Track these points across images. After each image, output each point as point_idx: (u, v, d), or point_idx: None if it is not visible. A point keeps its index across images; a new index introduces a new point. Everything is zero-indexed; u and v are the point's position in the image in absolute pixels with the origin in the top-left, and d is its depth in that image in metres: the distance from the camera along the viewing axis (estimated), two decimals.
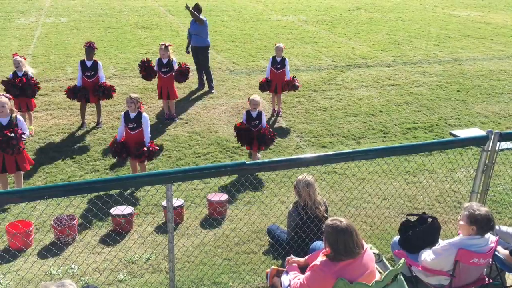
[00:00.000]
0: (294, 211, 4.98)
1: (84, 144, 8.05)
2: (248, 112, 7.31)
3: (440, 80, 11.78)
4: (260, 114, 7.29)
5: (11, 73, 8.06)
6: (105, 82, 8.44)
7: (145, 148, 6.61)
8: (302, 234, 4.80)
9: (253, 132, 7.27)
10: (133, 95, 6.70)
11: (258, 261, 5.07)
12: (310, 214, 4.82)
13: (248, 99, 7.35)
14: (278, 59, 9.15)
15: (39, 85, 8.25)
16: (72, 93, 8.35)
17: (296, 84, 9.26)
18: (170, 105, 9.10)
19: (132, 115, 6.66)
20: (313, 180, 4.96)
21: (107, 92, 8.40)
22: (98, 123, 8.70)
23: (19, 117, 6.34)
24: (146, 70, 8.84)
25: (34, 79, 8.15)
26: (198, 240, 5.48)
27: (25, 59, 8.23)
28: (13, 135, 5.98)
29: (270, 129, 7.46)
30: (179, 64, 8.94)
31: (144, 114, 6.74)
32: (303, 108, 9.84)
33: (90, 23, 16.64)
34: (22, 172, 6.46)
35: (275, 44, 9.42)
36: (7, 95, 6.40)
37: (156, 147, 6.94)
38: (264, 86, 9.31)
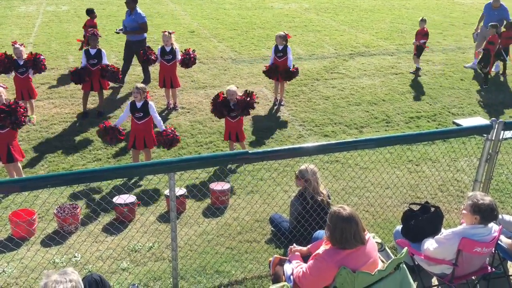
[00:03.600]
0: (296, 200, 4.97)
1: (86, 133, 8.05)
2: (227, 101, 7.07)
3: (444, 68, 11.70)
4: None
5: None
6: (113, 65, 8.39)
7: (167, 133, 6.67)
8: (304, 223, 4.81)
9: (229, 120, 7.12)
10: (139, 85, 6.66)
11: (261, 250, 5.09)
12: (320, 202, 4.82)
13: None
14: (280, 47, 9.05)
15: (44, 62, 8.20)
16: (78, 76, 8.24)
17: (294, 71, 9.01)
18: (172, 94, 9.06)
19: (139, 104, 6.64)
20: (317, 169, 4.98)
21: (115, 74, 8.31)
22: (100, 112, 8.68)
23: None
24: (145, 55, 8.77)
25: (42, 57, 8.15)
26: (200, 229, 5.50)
27: (24, 46, 8.17)
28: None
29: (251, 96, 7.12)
30: (185, 50, 8.89)
31: (150, 102, 6.72)
32: (306, 97, 9.80)
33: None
34: (19, 163, 6.45)
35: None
36: (2, 84, 6.38)
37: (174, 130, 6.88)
38: (271, 72, 9.07)
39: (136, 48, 9.53)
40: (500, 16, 11.53)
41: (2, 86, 6.28)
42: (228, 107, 7.02)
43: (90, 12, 11.02)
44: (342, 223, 3.43)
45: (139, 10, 9.78)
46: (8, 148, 6.15)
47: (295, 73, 9.06)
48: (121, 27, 10.01)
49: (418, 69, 11.29)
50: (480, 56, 10.73)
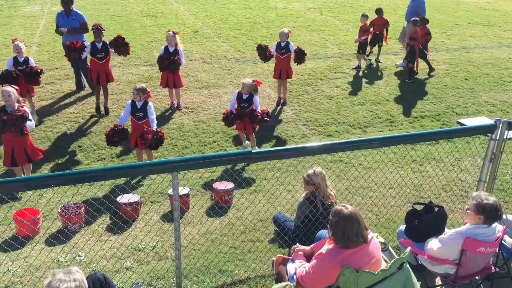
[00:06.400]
0: (304, 204, 4.95)
1: (91, 133, 8.07)
2: (239, 93, 7.29)
3: (448, 68, 11.67)
4: (251, 97, 7.21)
5: (11, 58, 7.99)
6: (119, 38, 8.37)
7: (149, 136, 6.51)
8: (308, 223, 4.81)
9: (243, 113, 7.18)
10: (138, 86, 6.65)
11: (264, 250, 5.09)
12: (327, 205, 4.82)
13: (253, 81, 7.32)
14: (283, 44, 9.10)
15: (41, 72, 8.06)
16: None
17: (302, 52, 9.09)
18: (176, 93, 9.07)
19: (139, 104, 6.66)
20: (323, 171, 4.98)
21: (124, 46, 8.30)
22: (106, 109, 8.69)
23: (26, 108, 6.28)
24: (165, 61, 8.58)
25: (37, 67, 8.02)
26: (204, 228, 5.51)
27: (25, 44, 8.12)
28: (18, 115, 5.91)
29: (264, 112, 7.27)
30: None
31: (150, 103, 6.73)
32: (309, 96, 9.79)
33: (96, 11, 16.58)
34: (31, 165, 6.47)
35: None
36: (14, 86, 6.30)
37: (162, 134, 6.77)
38: (262, 51, 9.14)
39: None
40: (415, 8, 11.44)
41: (13, 87, 6.20)
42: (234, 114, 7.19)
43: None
44: (344, 222, 3.43)
45: (77, 10, 9.31)
46: (24, 150, 6.18)
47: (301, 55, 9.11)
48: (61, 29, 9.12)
49: (359, 67, 11.30)
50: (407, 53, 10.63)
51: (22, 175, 6.45)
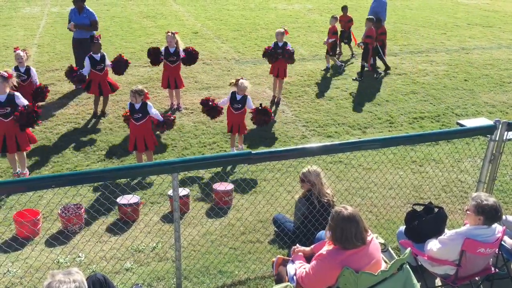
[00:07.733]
0: (301, 202, 4.96)
1: (90, 134, 8.07)
2: (233, 93, 7.33)
3: (447, 69, 11.68)
4: (244, 98, 7.29)
5: (13, 68, 7.78)
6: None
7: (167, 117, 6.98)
8: (307, 223, 4.81)
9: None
10: (135, 88, 6.65)
11: (264, 250, 5.09)
12: (326, 204, 4.82)
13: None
14: (280, 44, 9.13)
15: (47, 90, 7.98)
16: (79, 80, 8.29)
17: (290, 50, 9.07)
18: (176, 94, 9.08)
19: (137, 105, 6.67)
20: (320, 170, 4.99)
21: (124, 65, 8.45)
22: (104, 113, 8.69)
23: (17, 94, 6.35)
24: (153, 54, 8.70)
25: (42, 85, 7.89)
26: (204, 229, 5.51)
27: (27, 53, 7.95)
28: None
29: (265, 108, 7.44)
30: (186, 48, 8.82)
31: (149, 103, 6.74)
32: (309, 97, 9.80)
33: (95, 13, 16.58)
34: (24, 154, 6.55)
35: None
36: (3, 73, 6.22)
37: (173, 118, 7.18)
38: (270, 55, 9.14)
39: (86, 45, 9.11)
40: (376, 8, 11.50)
41: (2, 75, 6.19)
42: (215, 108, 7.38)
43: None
44: (343, 223, 3.44)
45: (89, 8, 9.70)
46: (15, 138, 6.29)
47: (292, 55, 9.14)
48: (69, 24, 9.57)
49: (328, 68, 11.27)
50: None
51: (17, 165, 6.60)
